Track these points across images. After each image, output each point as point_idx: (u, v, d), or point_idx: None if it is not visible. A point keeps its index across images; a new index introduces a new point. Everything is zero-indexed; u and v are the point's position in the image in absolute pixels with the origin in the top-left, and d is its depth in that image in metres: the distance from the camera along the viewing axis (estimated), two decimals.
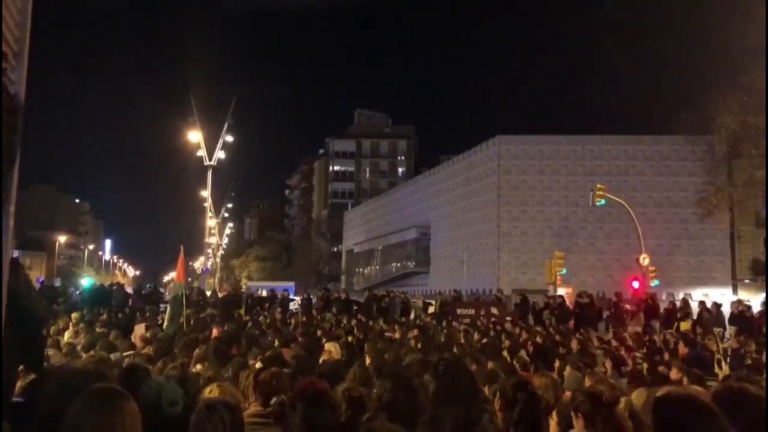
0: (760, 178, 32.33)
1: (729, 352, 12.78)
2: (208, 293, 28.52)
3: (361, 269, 72.26)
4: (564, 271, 30.52)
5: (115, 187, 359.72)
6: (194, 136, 37.99)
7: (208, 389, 4.46)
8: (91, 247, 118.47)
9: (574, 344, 11.12)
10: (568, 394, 5.29)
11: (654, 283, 28.85)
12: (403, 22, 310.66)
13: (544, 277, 31.44)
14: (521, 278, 43.22)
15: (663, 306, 22.22)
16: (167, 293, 24.90)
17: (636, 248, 31.42)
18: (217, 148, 38.98)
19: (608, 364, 8.52)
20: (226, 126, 39.26)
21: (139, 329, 11.23)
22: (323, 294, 29.17)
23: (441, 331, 14.03)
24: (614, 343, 12.51)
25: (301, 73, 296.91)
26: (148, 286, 35.87)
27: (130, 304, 22.76)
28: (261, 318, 17.40)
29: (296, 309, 25.70)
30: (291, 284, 51.01)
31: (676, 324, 19.02)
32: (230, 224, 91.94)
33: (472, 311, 21.63)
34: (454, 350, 9.10)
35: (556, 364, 8.02)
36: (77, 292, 27.59)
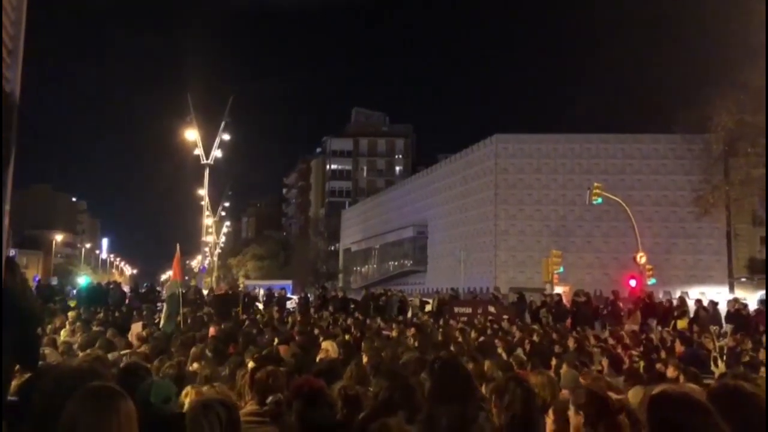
0: (757, 176, 32.41)
1: (725, 351, 12.81)
2: (205, 292, 28.52)
3: (358, 268, 72.27)
4: (561, 269, 30.51)
5: (112, 186, 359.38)
6: (191, 134, 37.99)
7: (196, 390, 4.46)
8: (88, 245, 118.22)
9: (571, 343, 11.14)
10: (564, 392, 5.30)
11: (651, 281, 28.86)
12: (401, 22, 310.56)
13: (541, 275, 31.42)
14: (518, 277, 43.25)
15: (660, 304, 22.26)
16: (164, 292, 24.90)
17: (633, 247, 31.46)
18: (214, 147, 38.99)
19: (605, 362, 8.53)
20: (222, 124, 39.32)
21: (136, 328, 11.23)
22: (320, 293, 29.14)
23: (438, 330, 14.05)
24: (611, 341, 12.54)
25: (299, 72, 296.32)
26: (145, 284, 35.85)
27: (126, 302, 22.74)
28: (258, 317, 17.40)
29: (293, 308, 25.68)
30: (288, 283, 50.99)
31: (672, 322, 19.06)
32: (227, 223, 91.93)
33: (469, 310, 21.65)
34: (451, 348, 9.11)
35: (553, 362, 8.03)
36: (74, 291, 27.56)
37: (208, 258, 62.92)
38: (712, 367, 10.74)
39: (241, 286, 50.45)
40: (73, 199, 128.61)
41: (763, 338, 13.85)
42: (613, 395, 3.98)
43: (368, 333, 12.23)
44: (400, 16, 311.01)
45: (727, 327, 18.66)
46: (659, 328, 18.78)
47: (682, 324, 18.76)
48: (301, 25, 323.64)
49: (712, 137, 34.59)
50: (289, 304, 27.00)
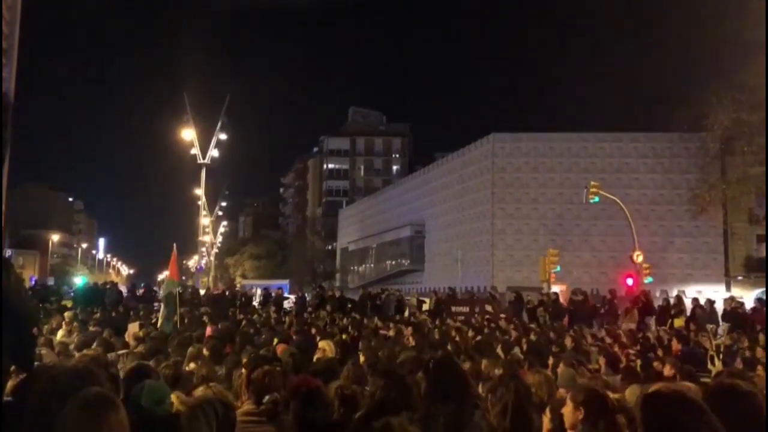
0: (753, 174, 32.51)
1: (722, 349, 12.85)
2: (202, 292, 28.50)
3: (355, 267, 72.20)
4: (558, 268, 30.55)
5: (109, 186, 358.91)
6: (188, 134, 37.91)
7: (197, 390, 4.45)
8: (84, 245, 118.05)
9: (568, 341, 11.14)
10: (561, 391, 5.31)
11: (648, 280, 28.92)
12: (399, 21, 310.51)
13: (539, 274, 31.45)
14: (516, 276, 43.22)
15: (657, 303, 22.31)
16: (161, 292, 24.87)
17: (630, 245, 31.52)
18: (210, 147, 38.93)
19: (602, 361, 8.53)
20: (219, 124, 39.24)
21: (133, 328, 11.21)
22: (318, 292, 29.12)
23: (435, 329, 14.05)
24: (608, 340, 12.55)
25: (296, 71, 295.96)
26: (142, 284, 35.80)
27: (123, 302, 22.71)
28: (255, 316, 17.37)
29: (291, 307, 25.67)
30: (286, 282, 50.97)
31: (669, 321, 19.12)
32: (224, 222, 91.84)
33: (466, 309, 21.71)
34: (449, 347, 9.11)
35: (550, 361, 8.03)
36: (71, 291, 27.52)
37: (205, 258, 62.88)
38: (709, 366, 10.78)
39: (239, 285, 50.42)
40: (70, 199, 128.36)
41: (760, 336, 13.87)
42: (610, 394, 3.99)
43: (365, 332, 12.23)
44: (397, 16, 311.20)
45: (723, 325, 18.74)
46: (656, 326, 18.85)
47: (678, 322, 18.82)
48: (298, 25, 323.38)
49: (708, 136, 34.68)
50: (287, 304, 26.99)
